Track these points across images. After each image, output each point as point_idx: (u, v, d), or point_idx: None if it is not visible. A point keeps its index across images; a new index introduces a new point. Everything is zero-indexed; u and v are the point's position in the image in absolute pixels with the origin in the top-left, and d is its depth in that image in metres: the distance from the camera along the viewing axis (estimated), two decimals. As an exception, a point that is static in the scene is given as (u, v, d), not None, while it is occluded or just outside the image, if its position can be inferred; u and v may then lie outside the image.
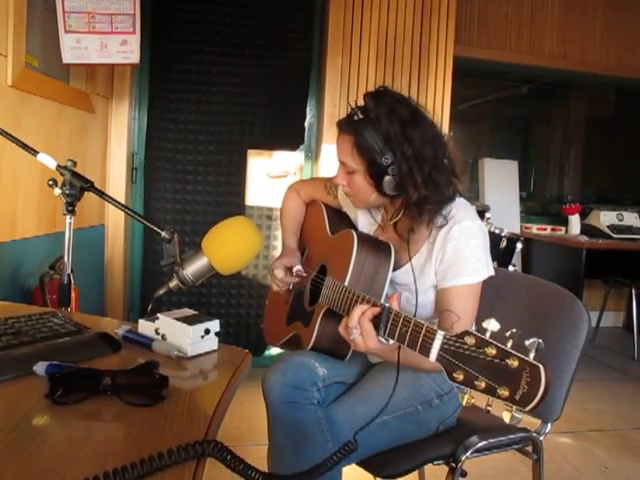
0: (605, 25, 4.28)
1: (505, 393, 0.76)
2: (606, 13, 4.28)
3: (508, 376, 0.76)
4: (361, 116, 1.28)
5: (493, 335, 0.80)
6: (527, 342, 0.76)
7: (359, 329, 1.08)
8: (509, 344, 0.78)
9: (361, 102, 1.33)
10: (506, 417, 0.77)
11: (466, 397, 0.81)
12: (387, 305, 1.05)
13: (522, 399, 0.74)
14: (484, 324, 0.81)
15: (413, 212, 1.31)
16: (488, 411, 0.80)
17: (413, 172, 1.27)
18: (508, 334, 0.78)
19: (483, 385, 0.79)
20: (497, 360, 0.78)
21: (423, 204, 1.29)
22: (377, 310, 1.06)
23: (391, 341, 1.03)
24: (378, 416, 1.28)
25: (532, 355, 0.75)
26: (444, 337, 0.87)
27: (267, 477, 0.68)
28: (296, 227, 1.70)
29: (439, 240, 1.31)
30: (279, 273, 1.54)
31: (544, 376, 0.73)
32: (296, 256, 1.60)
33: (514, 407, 0.76)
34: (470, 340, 0.82)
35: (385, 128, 1.25)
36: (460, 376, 0.82)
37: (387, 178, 1.28)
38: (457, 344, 0.84)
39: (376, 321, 1.07)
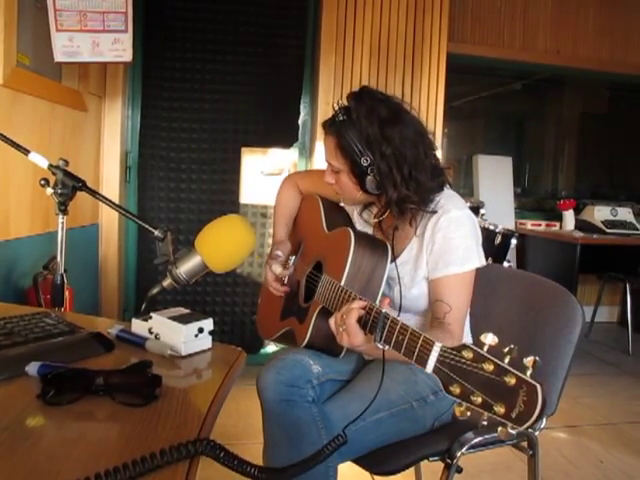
0: (598, 21, 4.29)
1: (501, 410, 0.75)
2: (599, 9, 4.28)
3: (505, 393, 0.76)
4: (343, 117, 1.30)
5: (491, 349, 0.79)
6: (525, 360, 0.75)
7: (344, 325, 1.11)
8: (506, 360, 0.77)
9: (345, 102, 1.34)
10: (501, 433, 0.76)
11: (460, 410, 0.80)
12: (384, 310, 1.04)
13: (518, 417, 0.74)
14: (482, 338, 0.80)
15: (395, 211, 1.32)
16: (483, 426, 0.79)
17: (392, 172, 1.28)
18: (506, 350, 0.77)
19: (479, 400, 0.78)
20: (494, 376, 0.77)
21: (404, 203, 1.30)
22: (362, 310, 1.09)
23: (387, 347, 1.02)
24: (373, 414, 1.29)
25: (529, 372, 0.74)
26: (441, 349, 0.87)
27: (261, 471, 0.68)
28: (289, 219, 1.69)
29: (428, 231, 1.33)
30: (277, 269, 1.53)
31: (541, 396, 0.73)
32: (287, 246, 1.61)
33: (509, 424, 0.75)
34: (468, 354, 0.81)
35: (364, 129, 1.27)
36: (457, 390, 0.81)
37: (369, 178, 1.30)
38: (454, 357, 0.83)
39: (372, 326, 1.07)
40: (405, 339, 0.96)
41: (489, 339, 0.79)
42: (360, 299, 1.13)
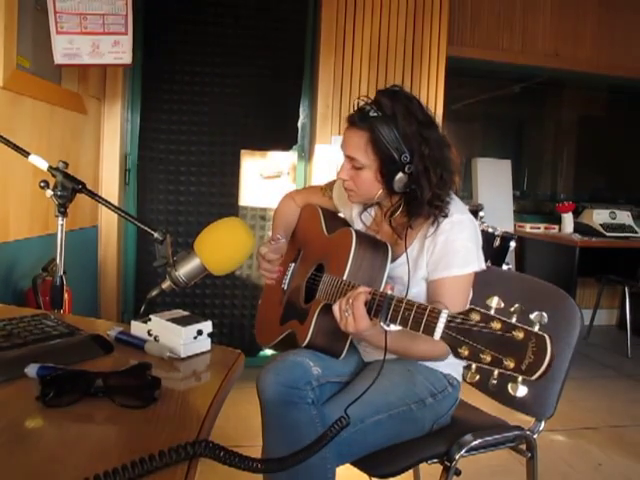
0: (597, 24, 4.30)
1: (511, 364, 0.78)
2: (598, 12, 4.29)
3: (514, 347, 0.78)
4: (378, 113, 1.29)
5: (497, 312, 0.83)
6: (532, 315, 0.78)
7: (351, 309, 1.13)
8: (513, 319, 0.80)
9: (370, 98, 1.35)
10: (511, 389, 0.78)
11: (469, 373, 0.82)
12: (389, 292, 1.06)
13: (528, 368, 0.76)
14: (488, 302, 0.84)
15: (421, 210, 1.33)
16: (494, 385, 0.80)
17: (429, 172, 1.31)
18: (512, 309, 0.81)
19: (489, 358, 0.80)
20: (502, 333, 0.80)
21: (434, 201, 1.32)
22: (369, 295, 1.12)
23: (392, 326, 1.04)
24: (372, 416, 1.30)
25: (537, 327, 0.77)
26: (449, 315, 0.89)
27: (265, 462, 0.68)
28: (286, 225, 1.70)
29: (430, 233, 1.34)
30: (263, 249, 1.54)
31: (550, 345, 0.75)
32: (285, 243, 1.61)
33: (520, 377, 0.77)
34: (475, 316, 0.84)
35: (403, 127, 1.28)
36: (465, 351, 0.84)
37: (399, 176, 1.31)
38: (462, 321, 0.86)
39: (378, 309, 1.09)
40: (412, 314, 0.99)
41: (495, 302, 0.83)
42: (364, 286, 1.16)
